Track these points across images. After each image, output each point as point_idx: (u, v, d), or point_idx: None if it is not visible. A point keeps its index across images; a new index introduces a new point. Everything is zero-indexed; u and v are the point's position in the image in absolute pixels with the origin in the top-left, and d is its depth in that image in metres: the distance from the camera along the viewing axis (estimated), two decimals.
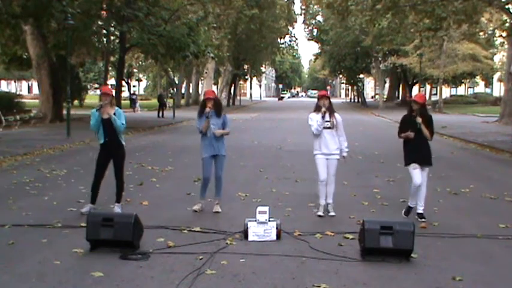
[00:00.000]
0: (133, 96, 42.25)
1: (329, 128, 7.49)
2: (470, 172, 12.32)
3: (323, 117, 7.43)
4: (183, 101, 51.08)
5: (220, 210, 7.68)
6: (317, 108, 7.52)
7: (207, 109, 7.47)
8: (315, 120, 7.47)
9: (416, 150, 7.29)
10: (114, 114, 7.40)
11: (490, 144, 17.77)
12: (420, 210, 7.33)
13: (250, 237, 6.20)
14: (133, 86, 63.39)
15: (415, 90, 56.72)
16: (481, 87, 70.53)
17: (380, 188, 9.56)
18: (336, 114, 7.59)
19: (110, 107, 7.46)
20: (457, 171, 12.36)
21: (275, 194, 9.18)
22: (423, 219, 7.19)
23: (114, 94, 7.82)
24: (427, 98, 64.26)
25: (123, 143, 7.59)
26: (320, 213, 7.53)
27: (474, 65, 44.22)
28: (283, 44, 59.60)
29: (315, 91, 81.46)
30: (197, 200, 7.85)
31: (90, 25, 24.73)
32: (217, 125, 7.59)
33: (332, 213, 7.53)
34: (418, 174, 7.24)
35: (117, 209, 7.51)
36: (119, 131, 7.43)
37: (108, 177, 7.75)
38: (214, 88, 55.04)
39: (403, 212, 7.54)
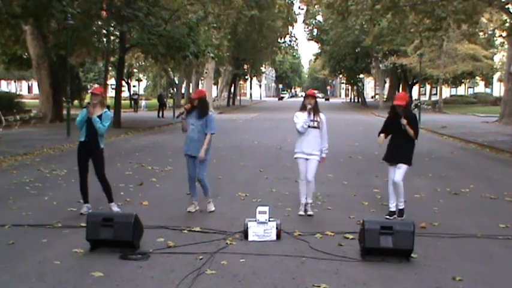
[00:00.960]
0: (135, 97, 42.05)
1: (314, 127, 7.47)
2: (470, 172, 12.32)
3: (309, 114, 7.42)
4: (183, 101, 51.00)
5: (213, 208, 7.67)
6: (303, 107, 7.52)
7: (187, 106, 7.53)
8: (301, 118, 7.46)
9: (392, 149, 7.40)
10: (101, 115, 7.40)
11: (490, 144, 17.77)
12: (401, 206, 7.37)
13: (250, 237, 6.20)
14: (134, 86, 63.33)
15: (415, 90, 56.74)
16: (481, 87, 70.52)
17: (380, 188, 9.55)
18: (321, 114, 7.58)
19: (100, 107, 7.47)
20: (457, 171, 12.36)
21: (275, 194, 9.18)
22: (403, 217, 7.21)
23: (103, 95, 7.82)
24: (427, 98, 64.44)
25: (102, 146, 7.52)
26: (301, 212, 7.56)
27: (474, 65, 44.22)
28: (283, 43, 59.56)
29: (315, 91, 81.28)
30: (190, 201, 7.83)
31: (90, 25, 24.70)
32: (197, 126, 7.50)
33: (310, 212, 7.54)
34: (391, 172, 7.38)
35: (114, 208, 7.51)
36: (99, 133, 7.40)
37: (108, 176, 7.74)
38: (214, 88, 55.05)
39: (385, 216, 7.42)
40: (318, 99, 7.72)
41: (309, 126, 7.44)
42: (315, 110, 7.48)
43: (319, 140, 7.52)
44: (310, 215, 7.50)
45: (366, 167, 12.62)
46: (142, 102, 42.45)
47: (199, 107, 7.52)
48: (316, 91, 7.96)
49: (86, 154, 7.50)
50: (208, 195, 7.75)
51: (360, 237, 5.74)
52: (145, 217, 6.44)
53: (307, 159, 7.52)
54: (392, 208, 7.42)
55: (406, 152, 7.36)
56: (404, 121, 7.19)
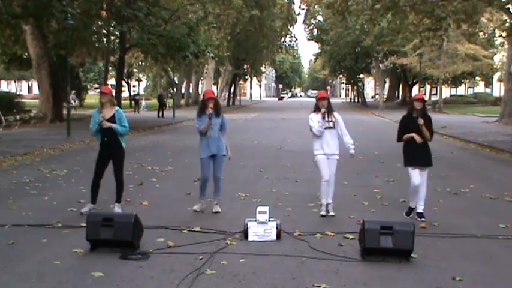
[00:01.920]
0: (137, 97, 41.79)
1: (330, 127, 7.50)
2: (470, 172, 12.32)
3: (323, 117, 7.44)
4: (183, 101, 51.09)
5: (220, 210, 7.67)
6: (316, 109, 7.54)
7: (209, 110, 7.44)
8: (315, 120, 7.48)
9: (416, 152, 7.30)
10: (114, 115, 7.39)
11: (490, 144, 17.77)
12: (420, 209, 7.35)
13: (250, 237, 6.20)
14: (134, 86, 63.35)
15: (415, 90, 56.73)
16: (481, 87, 70.52)
17: (380, 188, 9.55)
18: (336, 114, 7.61)
19: (110, 106, 7.45)
20: (457, 171, 12.36)
21: (275, 194, 9.18)
22: (423, 219, 7.20)
23: (113, 93, 7.78)
24: (427, 98, 64.43)
25: (123, 144, 7.55)
26: (323, 212, 7.54)
27: (474, 65, 44.23)
28: (283, 43, 59.59)
29: (315, 91, 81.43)
30: (197, 200, 7.84)
31: (90, 25, 24.74)
32: (217, 125, 7.57)
33: (332, 213, 7.54)
34: (416, 174, 7.27)
35: (117, 209, 7.50)
36: (120, 134, 7.42)
37: (107, 176, 7.74)
38: (214, 88, 55.07)
39: (404, 212, 7.54)
40: None
41: (325, 128, 7.46)
42: (329, 110, 7.50)
43: (336, 139, 7.59)
44: (332, 216, 7.48)
45: (366, 167, 12.61)
46: (143, 103, 42.33)
47: (216, 106, 7.56)
48: (315, 91, 7.95)
49: (107, 155, 7.50)
50: (219, 196, 7.75)
51: (360, 237, 5.74)
52: (145, 217, 6.44)
53: (328, 158, 7.53)
54: (413, 205, 7.41)
55: (430, 154, 7.38)
56: (421, 121, 7.18)
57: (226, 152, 7.76)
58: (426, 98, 48.24)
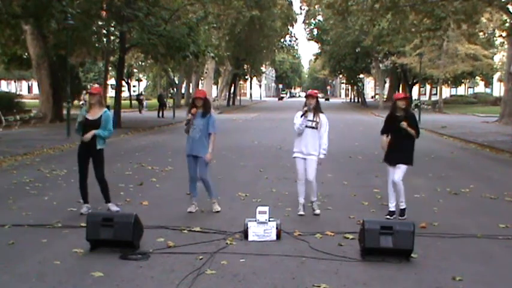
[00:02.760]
0: (141, 97, 41.59)
1: (312, 127, 7.43)
2: (470, 172, 12.32)
3: (306, 116, 7.36)
4: (183, 101, 51.07)
5: (219, 208, 7.67)
6: (304, 107, 7.50)
7: (193, 110, 7.43)
8: (300, 118, 7.43)
9: (392, 148, 7.40)
10: (101, 116, 7.38)
11: (490, 144, 17.77)
12: (402, 206, 7.38)
13: (250, 237, 6.20)
14: (134, 86, 63.34)
15: (415, 90, 56.71)
16: (481, 87, 70.56)
17: (380, 188, 9.55)
18: (322, 115, 7.49)
19: (98, 107, 7.44)
20: (457, 171, 12.36)
21: (275, 194, 9.18)
22: (404, 217, 7.21)
23: (101, 94, 7.78)
24: (427, 98, 64.43)
25: (103, 146, 7.48)
26: (301, 212, 7.54)
27: (474, 65, 44.23)
28: (283, 42, 59.56)
29: (316, 91, 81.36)
30: (190, 202, 7.82)
31: (90, 25, 24.70)
32: (199, 126, 7.47)
33: (317, 212, 7.54)
34: (390, 171, 7.40)
35: (112, 208, 7.51)
36: (102, 138, 7.41)
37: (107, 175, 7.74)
38: (214, 88, 55.04)
39: (385, 216, 7.42)
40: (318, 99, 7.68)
41: (306, 126, 7.42)
42: (316, 110, 7.44)
43: (317, 140, 7.47)
44: (316, 214, 7.49)
45: (366, 167, 12.62)
46: (144, 103, 42.22)
47: (203, 106, 7.51)
48: (316, 91, 7.90)
49: (86, 155, 7.49)
50: (213, 196, 7.73)
51: (360, 237, 5.74)
52: (145, 217, 6.44)
53: (305, 159, 7.51)
54: (392, 208, 7.43)
55: (406, 152, 7.36)
56: (404, 124, 7.18)
57: (206, 153, 7.48)
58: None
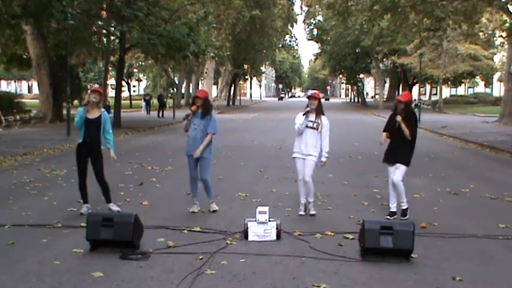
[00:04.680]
0: (147, 97, 41.17)
1: (313, 128, 7.42)
2: (470, 172, 12.31)
3: (307, 116, 7.36)
4: (183, 101, 51.07)
5: (216, 208, 7.68)
6: (306, 108, 7.50)
7: (193, 107, 7.45)
8: (301, 118, 7.43)
9: (390, 148, 7.44)
10: (100, 116, 7.41)
11: (490, 144, 17.77)
12: (403, 206, 7.38)
13: (250, 237, 6.20)
14: (134, 86, 63.34)
15: (415, 90, 56.72)
16: (481, 87, 70.57)
17: (380, 188, 9.55)
18: (323, 117, 7.48)
19: (97, 108, 7.46)
20: (457, 171, 12.36)
21: (275, 194, 9.18)
22: (406, 217, 7.22)
23: (101, 95, 7.82)
24: (427, 98, 64.45)
25: (102, 147, 7.53)
26: (301, 212, 7.55)
27: (474, 64, 44.24)
28: (284, 41, 59.58)
29: (317, 91, 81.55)
30: (192, 201, 7.82)
31: (90, 25, 24.73)
32: (199, 126, 7.48)
33: (312, 212, 7.54)
34: (390, 171, 7.42)
35: (113, 208, 7.52)
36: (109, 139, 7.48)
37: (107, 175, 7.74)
38: (214, 88, 55.05)
39: (385, 216, 7.41)
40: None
41: (307, 126, 7.42)
42: (317, 111, 7.44)
43: (317, 141, 7.46)
44: (312, 215, 7.50)
45: (366, 167, 12.61)
46: (143, 103, 42.05)
47: (204, 107, 7.51)
48: (316, 91, 7.88)
49: (85, 155, 7.49)
50: (211, 197, 7.74)
51: (360, 237, 5.74)
52: (145, 217, 6.44)
53: (304, 159, 7.51)
54: (393, 208, 7.43)
55: (404, 152, 7.36)
56: (398, 117, 7.19)
57: (206, 153, 7.49)
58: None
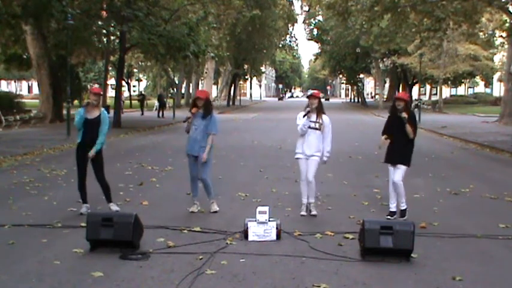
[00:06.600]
0: (140, 97, 40.96)
1: (315, 128, 7.41)
2: (470, 172, 12.31)
3: (308, 116, 7.36)
4: (183, 101, 51.06)
5: (217, 208, 7.67)
6: (307, 107, 7.48)
7: (193, 110, 7.44)
8: (302, 119, 7.41)
9: (391, 149, 7.42)
10: (100, 115, 7.42)
11: (490, 144, 17.77)
12: (403, 206, 7.38)
13: (250, 237, 6.20)
14: (134, 86, 63.34)
15: (415, 90, 56.75)
16: (481, 87, 70.56)
17: (380, 188, 9.55)
18: (324, 116, 7.47)
19: (97, 108, 7.46)
20: (457, 171, 12.36)
21: (275, 194, 9.18)
22: (405, 218, 7.22)
23: (101, 95, 7.83)
24: (427, 98, 64.45)
25: (104, 147, 7.54)
26: (303, 212, 7.54)
27: (474, 64, 44.23)
28: (284, 40, 59.59)
29: (317, 91, 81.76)
30: (192, 201, 7.82)
31: (90, 25, 24.73)
32: (199, 126, 7.48)
33: (314, 213, 7.53)
34: (390, 171, 7.42)
35: (113, 207, 7.52)
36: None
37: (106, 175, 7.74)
38: (214, 88, 55.04)
39: (385, 216, 7.42)
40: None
41: (309, 127, 7.42)
42: (318, 111, 7.43)
43: (320, 141, 7.46)
44: (313, 215, 7.49)
45: (366, 167, 12.61)
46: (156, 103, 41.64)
47: (204, 107, 7.51)
48: (316, 91, 7.87)
49: (85, 155, 7.49)
50: (212, 197, 7.73)
51: (360, 237, 5.74)
52: (145, 217, 6.44)
53: (307, 159, 7.50)
54: (393, 208, 7.43)
55: (405, 152, 7.36)
56: (404, 114, 7.17)
57: (203, 153, 7.44)
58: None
